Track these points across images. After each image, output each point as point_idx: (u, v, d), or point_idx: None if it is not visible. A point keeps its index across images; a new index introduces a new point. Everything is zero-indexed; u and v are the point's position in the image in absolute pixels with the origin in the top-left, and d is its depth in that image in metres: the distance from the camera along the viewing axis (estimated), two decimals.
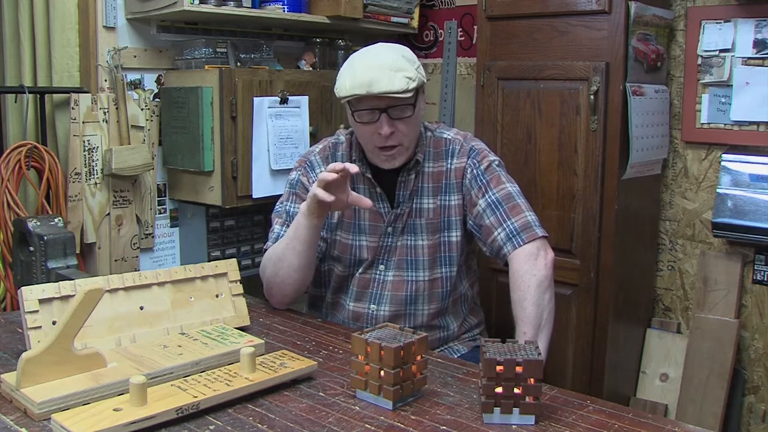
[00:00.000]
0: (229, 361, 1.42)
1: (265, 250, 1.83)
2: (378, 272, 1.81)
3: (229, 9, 2.44)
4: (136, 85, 2.53)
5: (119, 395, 1.23)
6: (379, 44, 1.76)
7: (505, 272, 1.79)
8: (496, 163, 1.81)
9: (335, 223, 1.83)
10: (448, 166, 1.80)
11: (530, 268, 1.65)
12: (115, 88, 2.42)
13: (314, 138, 2.59)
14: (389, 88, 1.62)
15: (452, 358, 1.72)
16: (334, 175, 1.55)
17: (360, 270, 1.81)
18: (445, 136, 1.84)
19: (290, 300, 1.82)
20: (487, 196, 1.74)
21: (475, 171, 1.77)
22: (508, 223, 1.70)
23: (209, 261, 2.06)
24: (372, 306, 1.80)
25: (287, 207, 1.85)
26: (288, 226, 1.82)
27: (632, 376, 2.53)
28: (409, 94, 1.64)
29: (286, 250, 1.72)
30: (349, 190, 1.65)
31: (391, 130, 1.67)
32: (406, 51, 1.74)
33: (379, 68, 1.63)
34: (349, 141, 1.86)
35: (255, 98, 2.44)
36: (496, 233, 1.71)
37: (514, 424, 1.20)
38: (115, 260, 2.48)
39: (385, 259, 1.80)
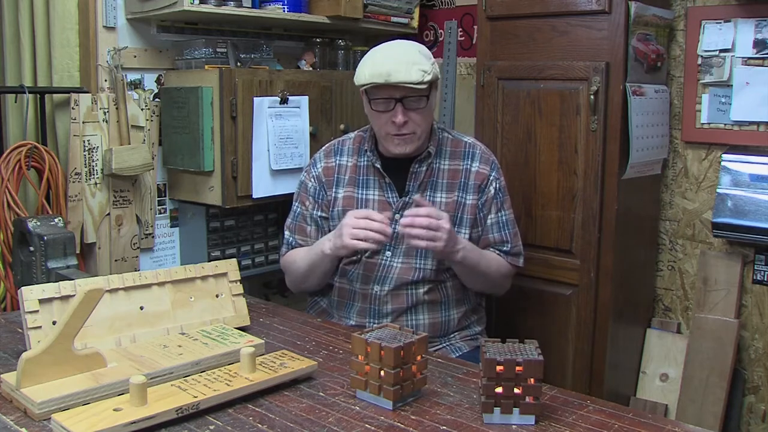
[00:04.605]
0: (229, 361, 1.42)
1: (281, 255, 2.02)
2: (384, 258, 1.88)
3: (229, 9, 2.44)
4: (136, 85, 2.53)
5: (119, 395, 1.23)
6: (398, 40, 1.89)
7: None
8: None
9: (340, 212, 1.91)
10: (467, 166, 1.92)
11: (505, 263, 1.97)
12: (115, 88, 2.42)
13: (314, 138, 2.59)
14: (406, 78, 1.74)
15: (452, 358, 1.73)
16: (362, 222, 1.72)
17: (367, 254, 1.88)
18: (464, 139, 1.98)
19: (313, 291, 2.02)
20: (500, 214, 1.94)
21: (498, 185, 1.94)
22: (509, 245, 1.96)
23: (209, 261, 2.06)
24: (375, 287, 1.87)
25: (294, 207, 2.01)
26: (296, 232, 1.97)
27: (632, 376, 2.53)
28: (424, 86, 1.77)
29: (309, 273, 1.91)
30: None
31: (405, 119, 1.80)
32: (422, 48, 1.87)
33: (397, 60, 1.77)
34: (360, 137, 1.98)
35: (255, 98, 2.44)
36: (495, 246, 1.95)
37: (514, 424, 1.20)
38: (115, 260, 2.48)
39: (392, 245, 1.87)
